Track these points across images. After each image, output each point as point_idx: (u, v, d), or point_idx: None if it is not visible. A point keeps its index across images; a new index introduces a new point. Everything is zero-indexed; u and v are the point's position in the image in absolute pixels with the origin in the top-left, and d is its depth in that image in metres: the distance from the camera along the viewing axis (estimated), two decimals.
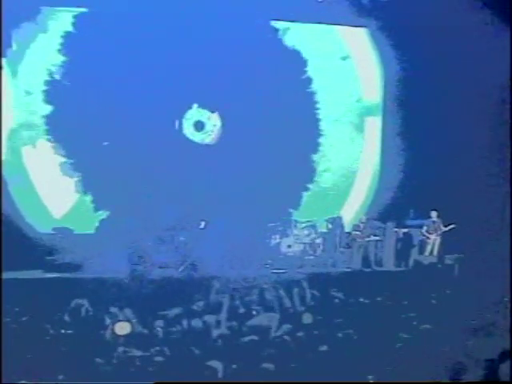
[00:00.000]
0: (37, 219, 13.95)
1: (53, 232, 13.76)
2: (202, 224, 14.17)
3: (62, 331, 8.22)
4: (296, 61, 16.19)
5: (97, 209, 14.68)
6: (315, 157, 16.42)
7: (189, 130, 15.63)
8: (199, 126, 15.68)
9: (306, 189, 16.24)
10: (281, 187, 15.30)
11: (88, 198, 14.74)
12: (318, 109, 16.52)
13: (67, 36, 14.58)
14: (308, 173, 16.36)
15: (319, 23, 16.07)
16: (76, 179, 14.62)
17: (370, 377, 6.78)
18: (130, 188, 13.71)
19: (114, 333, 8.19)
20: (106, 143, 14.33)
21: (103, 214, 14.49)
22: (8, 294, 9.43)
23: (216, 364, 7.37)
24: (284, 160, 15.40)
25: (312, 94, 16.47)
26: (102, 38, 14.07)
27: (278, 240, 14.78)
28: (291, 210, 15.82)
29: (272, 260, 14.22)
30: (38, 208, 14.33)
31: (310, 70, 16.22)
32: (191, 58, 14.53)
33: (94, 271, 11.09)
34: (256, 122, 15.04)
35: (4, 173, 13.56)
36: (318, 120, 16.56)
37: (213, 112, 15.77)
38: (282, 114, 15.28)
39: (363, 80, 16.91)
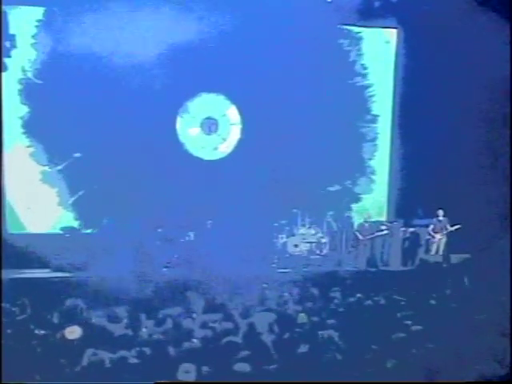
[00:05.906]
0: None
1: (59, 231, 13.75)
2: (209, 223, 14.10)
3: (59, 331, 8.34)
4: (342, 46, 14.57)
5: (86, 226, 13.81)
6: (372, 163, 15.14)
7: (194, 132, 14.56)
8: (209, 125, 14.64)
9: (358, 200, 15.26)
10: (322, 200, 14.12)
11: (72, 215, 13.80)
12: (372, 103, 14.90)
13: (47, 24, 13.04)
14: (364, 185, 15.09)
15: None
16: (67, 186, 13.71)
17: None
18: (133, 188, 13.16)
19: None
20: (77, 154, 13.28)
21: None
22: (8, 294, 9.56)
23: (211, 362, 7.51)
24: (328, 169, 14.03)
25: (364, 87, 14.72)
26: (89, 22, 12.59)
27: (284, 239, 14.78)
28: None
29: (278, 259, 14.19)
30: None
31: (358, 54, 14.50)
32: (197, 40, 12.66)
33: (97, 271, 11.17)
34: (290, 120, 13.30)
35: None
36: (374, 118, 14.98)
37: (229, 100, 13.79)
38: (326, 109, 13.61)
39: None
